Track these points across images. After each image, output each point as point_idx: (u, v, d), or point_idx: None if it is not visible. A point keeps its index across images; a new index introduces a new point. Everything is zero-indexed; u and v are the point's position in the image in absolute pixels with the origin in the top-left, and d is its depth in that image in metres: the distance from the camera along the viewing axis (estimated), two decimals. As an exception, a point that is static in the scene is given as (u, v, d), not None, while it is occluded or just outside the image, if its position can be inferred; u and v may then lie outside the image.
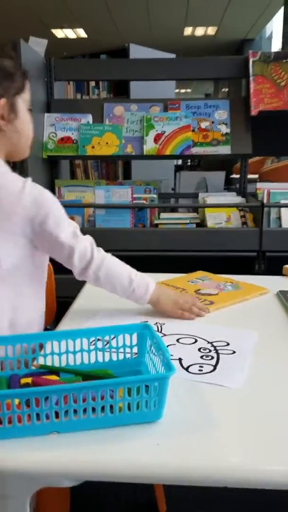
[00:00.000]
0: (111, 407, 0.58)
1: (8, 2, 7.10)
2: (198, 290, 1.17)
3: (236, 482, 0.52)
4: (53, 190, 2.36)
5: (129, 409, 0.59)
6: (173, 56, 3.18)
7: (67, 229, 0.93)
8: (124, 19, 8.43)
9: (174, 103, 2.30)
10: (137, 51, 3.38)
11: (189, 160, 5.58)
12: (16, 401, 0.56)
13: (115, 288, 0.97)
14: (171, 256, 2.02)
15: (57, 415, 0.57)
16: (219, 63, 2.40)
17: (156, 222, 2.15)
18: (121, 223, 2.13)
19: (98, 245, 1.07)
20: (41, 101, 2.32)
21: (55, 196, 0.96)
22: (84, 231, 2.15)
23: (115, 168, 3.43)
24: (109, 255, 0.99)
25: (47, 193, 0.94)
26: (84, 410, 0.58)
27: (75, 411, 0.58)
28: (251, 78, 2.17)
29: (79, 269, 0.95)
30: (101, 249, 0.98)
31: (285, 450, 0.55)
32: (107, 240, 2.08)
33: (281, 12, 7.25)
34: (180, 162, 5.64)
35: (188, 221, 2.11)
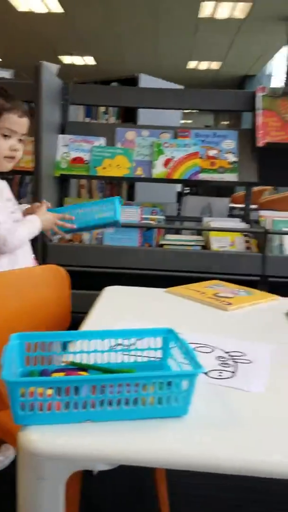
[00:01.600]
0: (143, 399, 0.62)
1: (17, 28, 7.37)
2: (216, 294, 1.27)
3: (258, 471, 0.56)
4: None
5: (159, 403, 0.63)
6: (181, 87, 3.33)
7: None
8: (132, 49, 8.75)
9: (184, 131, 2.40)
10: (147, 81, 3.52)
11: (187, 188, 5.76)
12: (50, 391, 0.60)
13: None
14: (176, 276, 2.08)
15: (93, 405, 0.61)
16: (227, 96, 2.52)
17: (162, 242, 2.21)
18: (128, 242, 2.19)
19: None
20: (56, 122, 2.41)
21: None
22: (91, 248, 2.19)
23: (119, 190, 3.52)
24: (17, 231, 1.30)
25: None
26: (118, 402, 0.62)
27: (110, 403, 0.62)
28: (259, 111, 2.29)
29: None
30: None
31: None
32: (115, 257, 2.14)
33: (283, 51, 7.58)
34: (179, 189, 5.81)
35: (193, 243, 2.18)
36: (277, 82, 9.09)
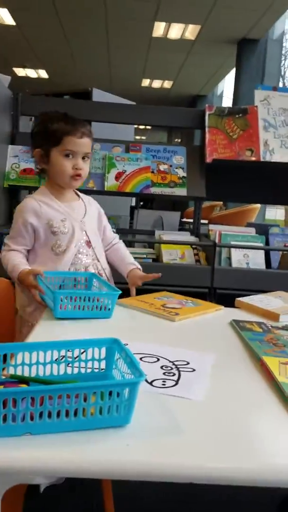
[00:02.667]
0: (84, 410, 0.62)
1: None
2: (164, 305, 1.30)
3: (199, 478, 0.57)
4: (11, 218, 2.37)
5: (100, 413, 0.62)
6: (133, 103, 3.38)
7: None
8: (85, 65, 8.82)
9: (136, 146, 2.44)
10: (99, 96, 3.56)
11: (141, 202, 5.83)
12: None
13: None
14: (128, 288, 2.08)
15: (32, 417, 0.60)
16: (178, 113, 2.60)
17: (113, 255, 2.21)
18: (79, 255, 2.17)
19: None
20: (6, 133, 2.37)
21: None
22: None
23: (71, 203, 3.48)
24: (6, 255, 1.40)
25: (18, 207, 1.43)
26: (58, 414, 0.61)
27: (49, 415, 0.60)
28: (206, 129, 2.37)
29: None
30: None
31: (236, 450, 0.62)
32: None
33: (232, 73, 7.93)
34: (133, 203, 5.87)
35: (145, 256, 2.20)
36: (229, 102, 9.48)
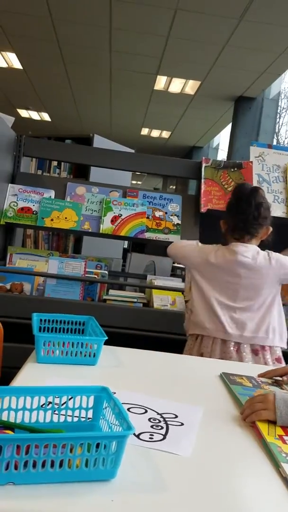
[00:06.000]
0: (69, 461, 0.60)
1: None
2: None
3: None
4: (5, 256, 2.38)
5: (86, 465, 0.61)
6: (132, 151, 3.50)
7: None
8: (87, 111, 9.15)
9: (133, 191, 2.50)
10: (100, 142, 3.69)
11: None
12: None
13: None
14: (116, 332, 2.06)
15: (16, 466, 0.58)
16: (175, 163, 2.69)
17: (104, 297, 2.21)
18: (70, 295, 2.16)
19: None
20: (7, 172, 2.42)
21: None
22: (31, 300, 2.14)
23: (65, 242, 3.52)
24: None
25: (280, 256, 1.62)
26: (43, 464, 0.59)
27: (34, 464, 0.59)
28: (202, 180, 2.44)
29: None
30: None
31: (221, 510, 0.60)
32: (55, 310, 2.09)
33: (228, 127, 8.26)
34: (126, 245, 5.93)
35: (135, 300, 2.20)
36: (223, 155, 9.81)
